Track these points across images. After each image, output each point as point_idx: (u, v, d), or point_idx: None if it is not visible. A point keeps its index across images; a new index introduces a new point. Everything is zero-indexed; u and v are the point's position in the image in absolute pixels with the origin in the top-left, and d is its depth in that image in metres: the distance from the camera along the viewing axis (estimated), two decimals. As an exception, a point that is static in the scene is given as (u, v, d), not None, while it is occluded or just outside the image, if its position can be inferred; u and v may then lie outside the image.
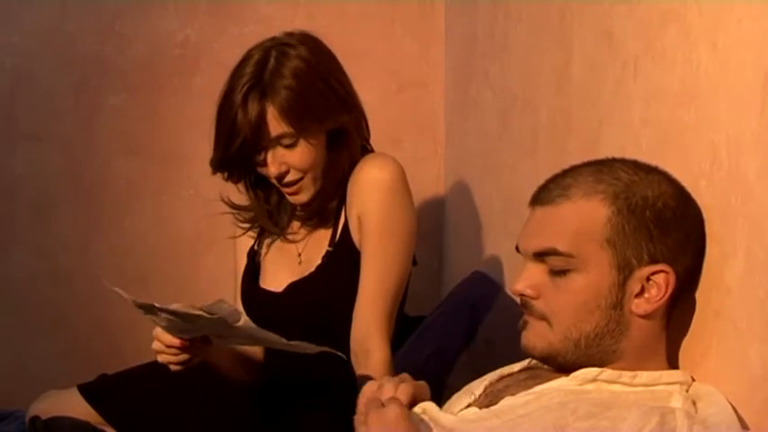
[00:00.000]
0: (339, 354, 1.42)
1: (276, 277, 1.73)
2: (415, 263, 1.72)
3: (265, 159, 1.61)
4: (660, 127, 1.26)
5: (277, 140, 1.59)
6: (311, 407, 1.69)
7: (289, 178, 1.63)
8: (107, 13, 2.42)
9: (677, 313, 1.14)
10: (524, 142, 1.87)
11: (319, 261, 1.69)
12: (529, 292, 1.12)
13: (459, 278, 2.04)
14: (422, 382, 1.16)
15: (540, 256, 1.11)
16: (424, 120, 2.59)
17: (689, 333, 1.17)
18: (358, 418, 1.10)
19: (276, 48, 1.62)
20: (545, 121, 1.74)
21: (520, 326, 1.16)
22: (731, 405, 1.06)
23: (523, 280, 1.13)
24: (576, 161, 1.18)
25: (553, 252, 1.10)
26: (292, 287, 1.69)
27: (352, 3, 2.53)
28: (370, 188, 1.62)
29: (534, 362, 1.19)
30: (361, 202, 1.63)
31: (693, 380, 1.13)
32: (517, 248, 1.16)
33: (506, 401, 1.10)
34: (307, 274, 1.70)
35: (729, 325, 1.08)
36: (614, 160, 1.16)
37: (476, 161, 2.28)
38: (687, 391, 1.10)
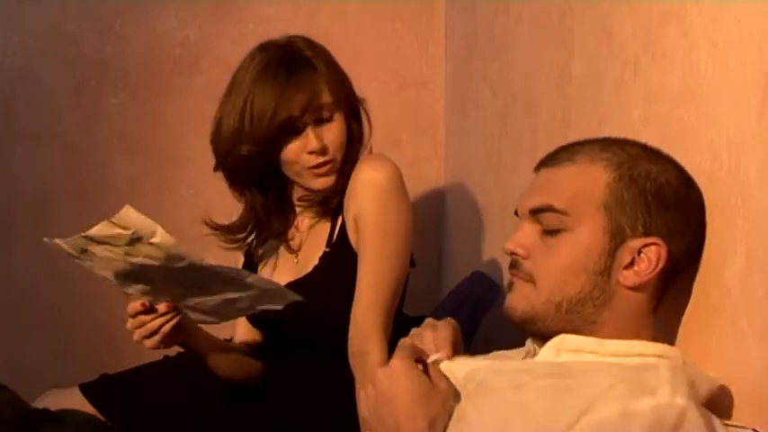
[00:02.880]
0: (302, 299, 1.43)
1: (273, 278, 1.73)
2: (413, 264, 1.72)
3: (307, 133, 1.62)
4: (660, 127, 1.26)
5: (320, 111, 1.61)
6: (311, 407, 1.69)
7: (327, 156, 1.64)
8: (107, 13, 2.42)
9: (676, 309, 1.14)
10: (524, 142, 1.87)
11: (316, 262, 1.69)
12: (519, 251, 1.12)
13: (459, 278, 2.05)
14: (451, 321, 1.20)
15: (536, 213, 1.12)
16: (424, 120, 2.59)
17: (688, 333, 1.17)
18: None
19: (287, 40, 1.66)
20: (545, 121, 1.74)
21: (505, 288, 1.16)
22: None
23: (516, 239, 1.13)
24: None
25: (549, 208, 1.10)
26: (289, 288, 1.69)
27: (352, 2, 2.53)
28: (365, 189, 1.63)
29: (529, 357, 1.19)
30: (357, 202, 1.63)
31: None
32: (516, 212, 1.16)
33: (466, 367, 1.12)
34: (304, 274, 1.70)
35: (729, 325, 1.08)
36: (625, 139, 1.17)
37: (476, 161, 2.28)
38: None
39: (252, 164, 1.65)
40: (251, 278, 1.40)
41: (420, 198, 2.49)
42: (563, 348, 1.09)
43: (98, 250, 1.37)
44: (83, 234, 1.35)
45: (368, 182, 1.63)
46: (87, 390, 1.78)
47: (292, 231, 1.76)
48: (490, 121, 2.12)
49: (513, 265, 1.14)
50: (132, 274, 1.40)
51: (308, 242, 1.74)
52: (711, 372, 1.11)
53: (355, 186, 1.64)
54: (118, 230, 1.32)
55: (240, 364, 1.75)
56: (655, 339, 1.12)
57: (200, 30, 2.47)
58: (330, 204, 1.70)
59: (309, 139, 1.62)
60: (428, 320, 1.22)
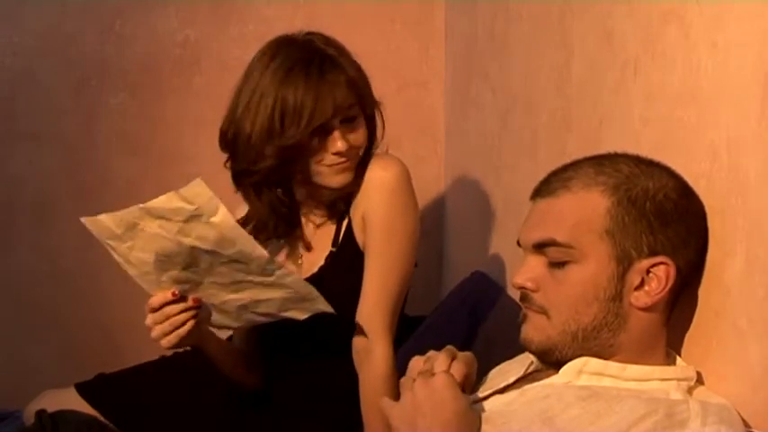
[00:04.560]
0: (331, 310, 1.43)
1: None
2: (415, 265, 1.72)
3: (334, 135, 1.59)
4: (660, 127, 1.26)
5: (346, 112, 1.60)
6: (313, 405, 1.69)
7: (350, 154, 1.62)
8: (107, 13, 2.42)
9: (678, 310, 1.14)
10: (524, 142, 1.87)
11: (322, 262, 1.69)
12: (529, 284, 1.12)
13: (459, 278, 2.04)
14: (469, 356, 1.16)
15: (540, 247, 1.11)
16: (424, 120, 2.59)
17: (689, 333, 1.17)
18: (404, 383, 1.10)
19: (305, 38, 1.64)
20: (545, 121, 1.74)
21: (519, 320, 1.15)
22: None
23: (523, 273, 1.13)
24: (576, 161, 1.18)
25: (552, 243, 1.10)
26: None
27: (352, 3, 2.53)
28: (374, 188, 1.63)
29: (533, 366, 1.18)
30: (366, 201, 1.63)
31: (699, 375, 1.12)
32: (519, 243, 1.16)
33: (495, 401, 1.11)
34: (310, 274, 1.69)
35: (729, 325, 1.08)
36: (616, 155, 1.16)
37: (476, 161, 2.28)
38: (690, 391, 1.09)
39: (274, 164, 1.60)
40: (290, 278, 1.40)
41: (420, 198, 2.48)
42: (584, 371, 1.09)
43: (150, 226, 1.34)
44: (141, 205, 1.32)
45: (377, 181, 1.62)
46: (83, 389, 1.78)
47: (298, 231, 1.75)
48: (490, 121, 2.12)
49: (524, 298, 1.14)
50: (174, 258, 1.37)
51: (314, 242, 1.73)
52: (712, 372, 1.12)
53: (364, 185, 1.64)
54: (181, 204, 1.30)
55: (242, 362, 1.75)
56: (667, 347, 1.13)
57: (200, 30, 2.47)
58: (338, 206, 1.69)
59: (335, 140, 1.59)
60: (449, 348, 1.17)
